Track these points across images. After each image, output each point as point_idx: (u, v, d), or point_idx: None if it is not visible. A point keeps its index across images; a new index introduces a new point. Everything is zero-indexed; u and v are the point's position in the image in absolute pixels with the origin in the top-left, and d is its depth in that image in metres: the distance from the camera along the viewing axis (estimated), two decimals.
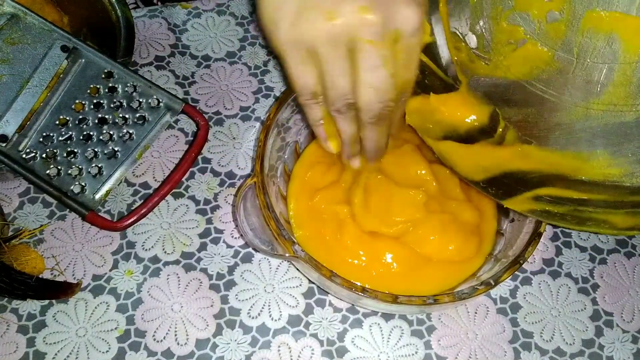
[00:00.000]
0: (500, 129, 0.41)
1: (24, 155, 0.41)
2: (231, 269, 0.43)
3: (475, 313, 0.43)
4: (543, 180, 0.38)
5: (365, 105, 0.34)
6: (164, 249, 0.44)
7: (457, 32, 0.41)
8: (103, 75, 0.43)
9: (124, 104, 0.44)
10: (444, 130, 0.42)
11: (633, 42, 0.33)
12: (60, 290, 0.40)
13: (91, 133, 0.43)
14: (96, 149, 0.43)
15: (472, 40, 0.40)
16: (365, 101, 0.34)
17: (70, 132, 0.42)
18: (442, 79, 0.43)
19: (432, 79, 0.43)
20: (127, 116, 0.43)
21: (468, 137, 0.41)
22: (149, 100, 0.44)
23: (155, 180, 0.47)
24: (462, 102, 0.41)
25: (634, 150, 0.36)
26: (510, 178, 0.39)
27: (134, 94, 0.44)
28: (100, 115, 0.43)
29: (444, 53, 0.43)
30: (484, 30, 0.39)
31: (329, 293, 0.43)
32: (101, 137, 0.43)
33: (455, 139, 0.41)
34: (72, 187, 0.42)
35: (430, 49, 0.43)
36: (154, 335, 0.40)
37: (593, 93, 0.36)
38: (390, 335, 0.41)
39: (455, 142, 0.40)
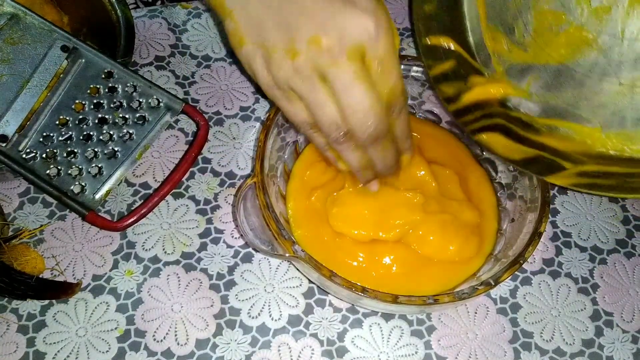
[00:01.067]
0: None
1: (24, 155, 0.41)
2: (231, 269, 0.43)
3: (475, 313, 0.43)
4: (586, 158, 0.39)
5: (356, 128, 0.33)
6: (164, 249, 0.44)
7: (495, 24, 0.42)
8: (103, 75, 0.43)
9: (124, 104, 0.44)
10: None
11: None
12: (60, 290, 0.40)
13: (91, 133, 0.43)
14: (96, 149, 0.43)
15: (511, 30, 0.41)
16: (355, 123, 0.33)
17: (70, 132, 0.42)
18: (476, 68, 0.44)
19: (466, 67, 0.44)
20: (127, 116, 0.43)
21: None
22: (149, 100, 0.44)
23: (155, 180, 0.47)
24: (504, 91, 0.42)
25: None
26: (551, 157, 0.40)
27: (134, 94, 0.44)
28: (100, 115, 0.43)
29: (474, 41, 0.44)
30: (523, 18, 0.39)
31: (329, 293, 0.43)
32: (101, 137, 0.43)
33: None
34: (72, 187, 0.42)
35: (462, 39, 0.45)
36: (154, 335, 0.40)
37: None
38: (390, 335, 0.41)
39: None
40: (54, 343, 0.39)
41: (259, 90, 0.52)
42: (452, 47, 0.45)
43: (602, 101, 0.38)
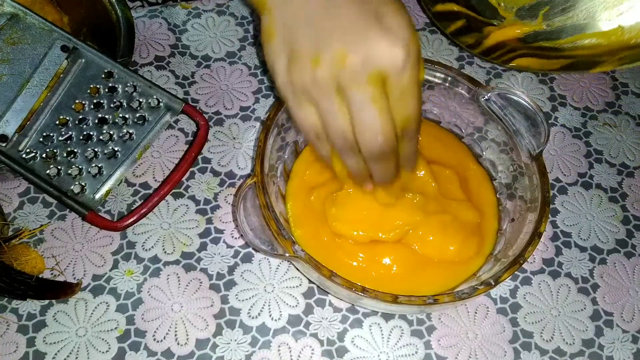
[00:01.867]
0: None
1: (24, 155, 0.41)
2: (231, 269, 0.43)
3: (475, 313, 0.43)
4: (617, 51, 0.44)
5: (363, 144, 0.34)
6: (164, 249, 0.44)
7: None
8: (103, 75, 0.43)
9: (124, 104, 0.44)
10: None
11: None
12: (60, 290, 0.40)
13: (91, 133, 0.43)
14: (96, 149, 0.43)
15: None
16: (362, 139, 0.34)
17: (70, 132, 0.42)
18: (486, 22, 0.51)
19: (477, 22, 0.51)
20: (127, 116, 0.43)
21: None
22: (149, 100, 0.44)
23: (155, 180, 0.47)
24: (519, 30, 0.49)
25: None
26: (586, 59, 0.46)
27: (134, 94, 0.44)
28: (100, 115, 0.43)
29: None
30: None
31: (329, 293, 0.43)
32: (101, 137, 0.43)
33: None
34: (72, 187, 0.42)
35: (465, 1, 0.53)
36: (154, 335, 0.40)
37: None
38: (390, 335, 0.41)
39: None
40: (54, 343, 0.39)
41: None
42: (459, 10, 0.51)
43: (615, 3, 0.43)
